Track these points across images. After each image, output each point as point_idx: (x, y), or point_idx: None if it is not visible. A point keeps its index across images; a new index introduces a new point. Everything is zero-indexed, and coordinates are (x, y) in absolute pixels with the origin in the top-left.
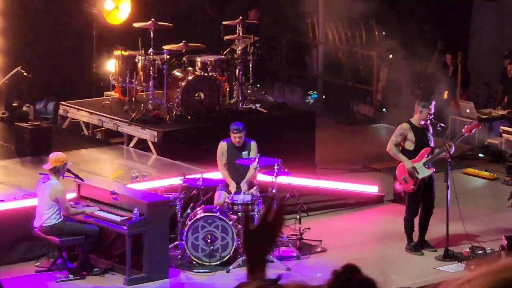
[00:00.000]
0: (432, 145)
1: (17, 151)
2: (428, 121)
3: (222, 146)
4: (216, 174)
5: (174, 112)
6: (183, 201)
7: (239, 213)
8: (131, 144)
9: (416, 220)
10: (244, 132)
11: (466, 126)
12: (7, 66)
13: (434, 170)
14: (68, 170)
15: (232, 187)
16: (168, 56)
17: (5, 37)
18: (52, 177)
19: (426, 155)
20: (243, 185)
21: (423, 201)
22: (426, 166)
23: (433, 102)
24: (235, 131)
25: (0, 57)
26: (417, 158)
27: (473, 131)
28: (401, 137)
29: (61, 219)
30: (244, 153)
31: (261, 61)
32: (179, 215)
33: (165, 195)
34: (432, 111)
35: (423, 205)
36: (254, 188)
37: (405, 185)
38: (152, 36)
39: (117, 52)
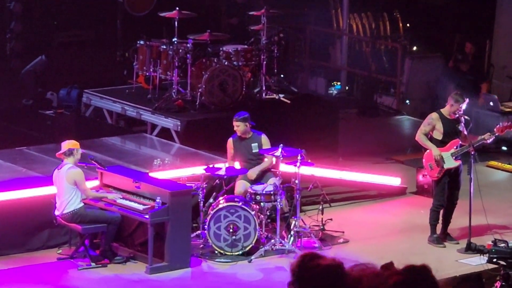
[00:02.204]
0: (461, 138)
1: (40, 139)
2: (459, 116)
3: (229, 142)
4: (238, 164)
5: (198, 101)
6: (205, 190)
7: (261, 203)
8: (154, 133)
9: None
10: (245, 122)
11: (498, 125)
12: (30, 53)
13: (461, 162)
14: (92, 158)
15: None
16: (192, 46)
17: (28, 24)
18: (66, 160)
19: (455, 147)
20: (252, 173)
21: (447, 193)
22: (454, 158)
23: (467, 100)
24: (233, 119)
25: (22, 44)
26: (445, 147)
27: (504, 132)
28: (429, 126)
29: (81, 204)
30: (254, 145)
31: (285, 52)
32: (202, 205)
33: (187, 184)
34: (463, 108)
35: (447, 196)
36: (277, 178)
37: (430, 171)
38: (176, 25)
39: (141, 41)
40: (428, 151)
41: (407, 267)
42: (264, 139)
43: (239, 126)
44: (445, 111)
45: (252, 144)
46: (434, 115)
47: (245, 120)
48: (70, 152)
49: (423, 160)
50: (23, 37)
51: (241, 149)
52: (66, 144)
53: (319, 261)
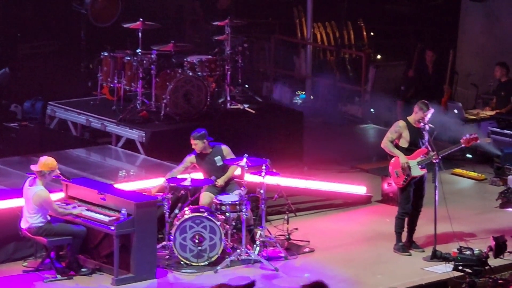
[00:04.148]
0: (426, 147)
1: (4, 151)
2: (424, 125)
3: (189, 158)
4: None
5: (162, 112)
6: (171, 201)
7: (227, 214)
8: (119, 145)
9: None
10: (203, 140)
11: (465, 137)
12: None
13: (427, 171)
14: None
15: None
16: (156, 56)
17: None
18: (38, 181)
19: (421, 155)
20: (221, 181)
21: (412, 200)
22: (420, 166)
23: (431, 110)
24: (191, 138)
25: None
26: (412, 155)
27: (471, 144)
28: (396, 134)
29: (47, 221)
30: (217, 158)
31: (249, 61)
32: (167, 216)
33: (153, 195)
34: (427, 117)
35: (412, 204)
36: (242, 188)
37: (396, 179)
38: (140, 36)
39: (105, 52)
40: (394, 158)
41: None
42: (226, 150)
43: (197, 145)
44: (411, 119)
45: (215, 158)
46: (401, 123)
47: (203, 137)
48: (42, 174)
49: (390, 167)
50: None
51: (205, 164)
52: (42, 164)
53: None
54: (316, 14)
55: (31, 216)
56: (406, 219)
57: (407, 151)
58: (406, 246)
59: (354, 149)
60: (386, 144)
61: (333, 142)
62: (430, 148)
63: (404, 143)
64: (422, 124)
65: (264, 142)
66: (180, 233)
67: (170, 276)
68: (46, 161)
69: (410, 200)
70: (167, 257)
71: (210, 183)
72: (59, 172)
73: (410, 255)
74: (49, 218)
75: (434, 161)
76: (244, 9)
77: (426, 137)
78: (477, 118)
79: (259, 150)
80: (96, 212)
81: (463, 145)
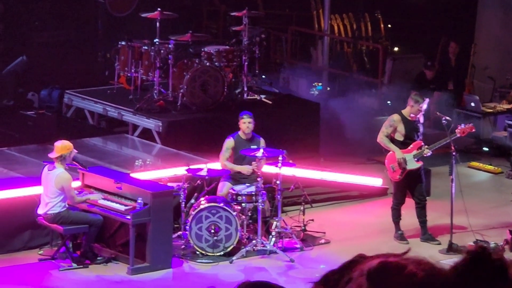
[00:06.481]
0: (421, 139)
1: (21, 139)
2: (420, 116)
3: (228, 142)
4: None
5: (179, 102)
6: (187, 191)
7: (243, 204)
8: (136, 134)
9: (413, 213)
10: (253, 121)
11: (460, 127)
12: (11, 53)
13: (423, 164)
14: (73, 159)
15: (244, 169)
16: (173, 46)
17: (9, 24)
18: (57, 165)
19: (417, 148)
20: (248, 169)
21: (413, 193)
22: (415, 159)
23: (426, 100)
24: (245, 116)
25: (3, 44)
26: (408, 149)
27: (466, 134)
28: (391, 128)
29: (65, 208)
30: (253, 146)
31: (266, 52)
32: (183, 205)
33: (169, 185)
34: (423, 108)
35: (414, 197)
36: (258, 179)
37: (392, 173)
38: (158, 26)
39: (123, 42)
40: (390, 153)
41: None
42: (263, 142)
43: (251, 123)
44: (405, 112)
45: (252, 147)
46: (395, 117)
47: (253, 119)
48: (62, 158)
49: (385, 161)
50: (4, 37)
51: (242, 148)
52: (59, 148)
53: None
54: (334, 6)
55: (51, 201)
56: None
57: (403, 145)
58: (423, 239)
59: (371, 141)
60: (381, 139)
61: (349, 134)
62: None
63: (399, 136)
64: (418, 116)
65: (280, 133)
66: (196, 223)
67: (186, 266)
68: (63, 145)
69: (404, 191)
70: (182, 247)
71: (226, 173)
72: (75, 159)
73: (408, 243)
74: (67, 206)
75: (453, 153)
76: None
77: (421, 129)
78: (494, 112)
79: (276, 141)
80: (112, 201)
81: (458, 135)
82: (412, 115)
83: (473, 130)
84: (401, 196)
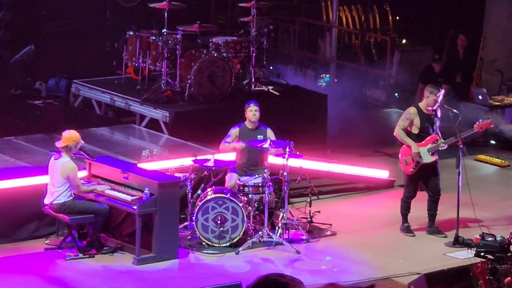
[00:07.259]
0: (437, 132)
1: (29, 129)
2: (436, 109)
3: (233, 130)
4: (227, 156)
5: (187, 93)
6: (193, 181)
7: (249, 195)
8: (143, 124)
9: (423, 206)
10: (259, 110)
11: (478, 122)
12: (19, 42)
13: (437, 157)
14: (80, 149)
15: (239, 145)
16: (181, 37)
17: (17, 13)
18: (64, 154)
19: (432, 142)
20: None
21: (427, 186)
22: (430, 153)
23: (442, 91)
24: (252, 105)
25: (11, 33)
26: (423, 143)
27: (484, 129)
28: (408, 121)
29: (71, 197)
30: (259, 136)
31: (274, 44)
32: (190, 196)
33: (176, 176)
34: (439, 99)
35: (428, 190)
36: (265, 170)
37: (405, 166)
38: (166, 16)
39: (130, 32)
40: (404, 145)
41: None
42: (270, 132)
43: (257, 111)
44: (422, 105)
45: (258, 136)
46: (412, 110)
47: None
48: (68, 149)
49: (399, 154)
50: (12, 26)
51: (247, 138)
52: (66, 138)
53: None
54: None
55: (56, 190)
56: (425, 205)
57: (418, 138)
58: (429, 232)
59: (378, 133)
60: (398, 133)
61: (356, 125)
62: (453, 133)
63: (415, 129)
64: (434, 108)
65: (287, 125)
66: (202, 213)
67: (192, 257)
68: (70, 135)
69: (416, 184)
70: (188, 237)
71: (233, 164)
72: (82, 149)
73: (414, 235)
74: (73, 195)
75: (460, 146)
76: None
77: (438, 123)
78: (502, 105)
79: (283, 132)
80: (118, 191)
81: (475, 130)
82: (428, 107)
83: (491, 126)
84: (413, 189)
